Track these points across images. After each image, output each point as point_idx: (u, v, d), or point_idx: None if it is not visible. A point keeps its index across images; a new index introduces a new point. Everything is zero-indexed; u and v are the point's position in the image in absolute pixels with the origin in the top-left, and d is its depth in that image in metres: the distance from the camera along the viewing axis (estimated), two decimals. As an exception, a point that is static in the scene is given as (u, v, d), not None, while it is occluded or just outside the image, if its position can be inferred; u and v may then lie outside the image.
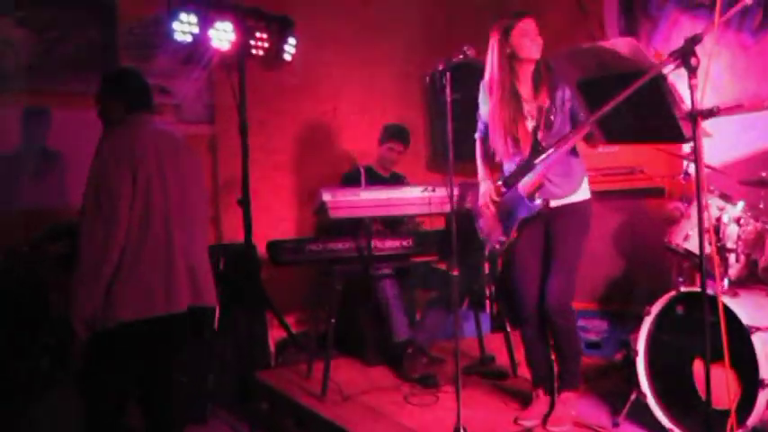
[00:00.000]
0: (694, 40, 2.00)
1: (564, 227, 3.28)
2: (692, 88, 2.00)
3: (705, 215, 3.36)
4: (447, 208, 3.68)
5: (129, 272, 2.58)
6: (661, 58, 2.75)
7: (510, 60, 3.28)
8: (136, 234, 2.59)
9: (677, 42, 4.71)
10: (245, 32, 4.68)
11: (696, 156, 2.03)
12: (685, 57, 1.97)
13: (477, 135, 3.53)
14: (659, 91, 2.09)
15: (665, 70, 2.02)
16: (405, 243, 4.16)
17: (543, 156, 1.87)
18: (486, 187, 3.43)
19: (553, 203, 3.24)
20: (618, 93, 2.03)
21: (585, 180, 3.35)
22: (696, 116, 1.99)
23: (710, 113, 2.00)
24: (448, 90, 3.23)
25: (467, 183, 3.70)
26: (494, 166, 3.48)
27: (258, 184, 4.98)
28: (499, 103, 3.28)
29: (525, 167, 1.85)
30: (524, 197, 3.24)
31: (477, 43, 5.98)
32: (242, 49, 4.64)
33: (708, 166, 3.56)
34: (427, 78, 3.28)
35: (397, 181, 4.92)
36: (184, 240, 2.77)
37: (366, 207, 3.84)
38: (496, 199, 3.39)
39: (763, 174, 3.56)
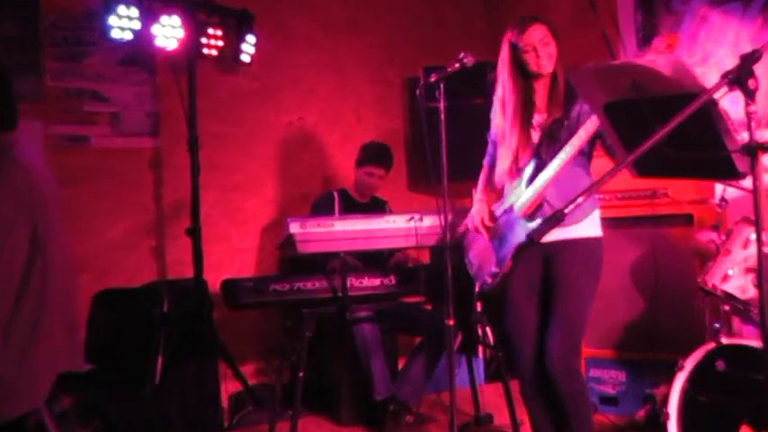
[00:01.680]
0: (752, 58, 1.88)
1: (567, 269, 3.17)
2: (749, 116, 1.89)
3: (751, 253, 3.30)
4: (437, 240, 3.61)
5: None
6: (674, 41, 2.65)
7: (522, 76, 3.25)
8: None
9: (705, 44, 4.74)
10: (195, 29, 4.61)
11: (755, 199, 1.90)
12: (741, 79, 1.85)
13: (485, 160, 3.52)
14: (708, 119, 1.98)
15: (717, 95, 1.90)
16: (387, 281, 4.16)
17: (572, 205, 1.74)
18: (478, 208, 3.40)
19: (552, 236, 3.11)
20: (656, 120, 1.90)
21: (597, 213, 3.25)
22: (756, 149, 1.87)
23: (773, 146, 1.88)
24: (442, 105, 3.16)
25: (463, 210, 3.64)
26: (494, 190, 3.44)
27: (211, 208, 4.94)
28: (509, 121, 3.25)
29: (554, 219, 1.72)
30: (521, 218, 3.15)
31: (467, 43, 6.04)
32: (192, 48, 4.56)
33: (743, 189, 3.48)
34: (417, 91, 3.18)
35: (377, 208, 4.89)
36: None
37: (341, 240, 3.83)
38: (489, 224, 3.35)
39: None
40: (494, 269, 3.28)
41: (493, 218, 3.36)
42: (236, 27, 4.86)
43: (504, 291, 3.30)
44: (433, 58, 5.56)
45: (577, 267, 3.16)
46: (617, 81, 2.18)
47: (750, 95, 1.90)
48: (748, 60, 1.90)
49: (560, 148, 3.06)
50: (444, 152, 3.24)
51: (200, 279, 4.37)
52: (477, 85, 5.23)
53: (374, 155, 4.74)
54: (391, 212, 4.88)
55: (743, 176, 2.06)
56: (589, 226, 3.19)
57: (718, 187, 3.70)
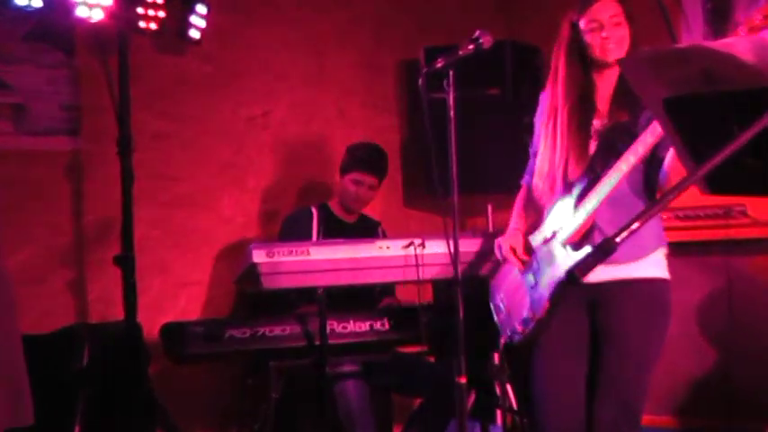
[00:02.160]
0: None
1: (622, 319, 3.20)
2: None
3: None
4: (445, 272, 3.62)
5: None
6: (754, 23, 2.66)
7: (582, 66, 3.31)
8: None
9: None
10: (128, -5, 4.61)
11: None
12: None
13: (524, 178, 3.61)
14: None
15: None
16: (378, 325, 4.21)
17: (625, 232, 1.75)
18: (511, 236, 3.47)
19: (602, 274, 3.10)
20: (735, 122, 1.90)
21: (663, 251, 3.28)
22: None
23: None
24: (451, 98, 3.24)
25: (494, 232, 3.68)
26: (533, 216, 3.51)
27: (148, 229, 4.91)
28: (561, 124, 3.30)
29: (602, 250, 1.72)
30: (566, 245, 3.18)
31: (479, 17, 6.07)
32: (124, 21, 4.54)
33: None
34: (419, 80, 3.20)
35: (367, 230, 4.91)
36: None
37: (320, 272, 3.86)
38: (523, 257, 3.36)
39: None
40: (526, 314, 3.31)
41: (528, 249, 3.39)
42: (181, -8, 4.88)
43: (535, 341, 3.30)
44: (436, 36, 5.58)
45: (636, 318, 3.19)
46: (682, 70, 2.17)
47: None
48: None
49: (619, 159, 3.10)
50: (454, 158, 3.28)
51: (132, 323, 4.31)
52: (492, 71, 5.30)
53: (364, 158, 4.78)
54: (385, 236, 4.90)
55: None
56: (652, 265, 3.23)
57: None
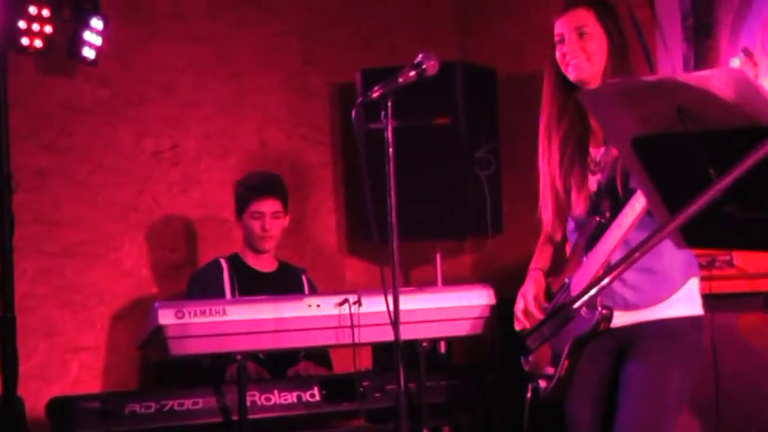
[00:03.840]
0: None
1: (643, 359, 3.31)
2: None
3: None
4: (384, 335, 3.63)
5: None
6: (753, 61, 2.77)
7: (566, 88, 3.38)
8: None
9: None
10: (8, 6, 4.57)
11: None
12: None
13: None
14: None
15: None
16: (308, 396, 4.19)
17: (585, 297, 1.79)
18: (529, 284, 3.53)
19: (623, 318, 3.27)
20: (712, 165, 1.96)
21: (695, 282, 3.38)
22: None
23: None
24: (389, 133, 3.26)
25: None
26: (554, 246, 3.59)
27: (32, 284, 4.87)
28: (553, 158, 3.40)
29: (558, 316, 1.77)
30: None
31: (429, 32, 6.13)
32: (2, 37, 4.52)
33: None
34: (353, 112, 3.24)
35: (289, 279, 4.92)
36: None
37: (237, 336, 3.86)
38: (545, 305, 3.46)
39: None
40: (548, 369, 3.41)
41: (549, 296, 3.46)
42: (73, 6, 4.84)
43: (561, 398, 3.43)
44: (377, 55, 5.62)
45: (658, 358, 3.30)
46: (654, 105, 2.23)
47: None
48: None
49: (627, 198, 3.18)
50: (392, 200, 3.31)
51: (12, 397, 4.27)
52: (441, 97, 5.32)
53: (257, 185, 4.81)
54: (311, 285, 4.92)
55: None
56: (682, 301, 3.35)
57: None
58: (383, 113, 3.27)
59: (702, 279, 4.27)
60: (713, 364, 4.31)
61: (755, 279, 4.35)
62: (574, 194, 3.34)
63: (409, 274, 5.91)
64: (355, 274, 5.78)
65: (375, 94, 3.27)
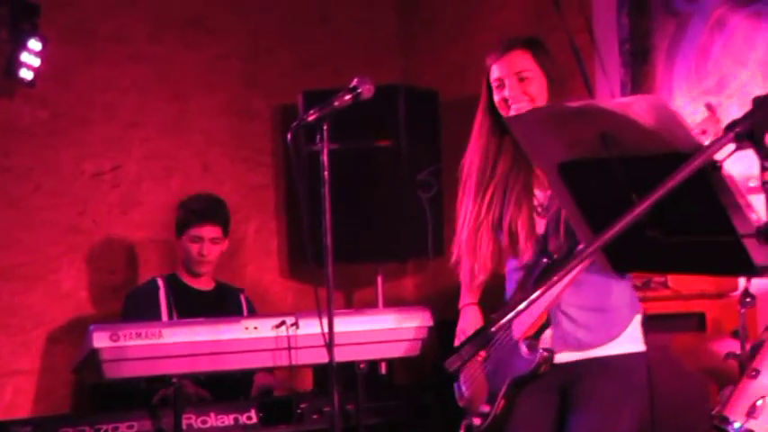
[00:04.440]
0: (772, 101, 2.01)
1: (591, 395, 3.31)
2: (766, 187, 2.00)
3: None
4: (321, 357, 3.63)
5: None
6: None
7: (502, 131, 3.36)
8: None
9: (722, 62, 4.97)
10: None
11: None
12: (755, 133, 1.96)
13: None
14: (708, 189, 2.10)
15: (720, 154, 2.01)
16: (245, 419, 4.18)
17: (503, 320, 1.81)
18: (466, 319, 3.53)
19: (570, 355, 3.30)
20: (634, 190, 1.99)
21: (638, 319, 3.40)
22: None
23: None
24: (325, 156, 3.28)
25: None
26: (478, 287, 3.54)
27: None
28: (487, 197, 3.38)
29: (476, 341, 1.79)
30: (519, 341, 3.26)
31: (372, 54, 6.15)
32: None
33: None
34: (288, 136, 3.27)
35: (227, 299, 4.93)
36: None
37: (174, 358, 3.83)
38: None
39: None
40: (484, 407, 3.38)
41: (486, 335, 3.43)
42: (10, 24, 4.80)
43: None
44: (320, 76, 5.63)
45: (607, 394, 3.30)
46: (578, 131, 2.27)
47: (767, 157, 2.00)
48: (765, 105, 2.01)
49: (572, 238, 3.18)
50: (328, 224, 3.31)
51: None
52: (383, 119, 5.34)
53: (199, 209, 4.81)
54: (250, 305, 4.92)
55: (760, 272, 2.16)
56: (626, 340, 3.35)
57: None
58: (318, 137, 3.28)
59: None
60: (648, 385, 4.34)
61: (689, 300, 4.38)
62: (522, 238, 3.30)
63: (351, 296, 5.91)
64: (297, 297, 5.76)
65: (310, 118, 3.28)
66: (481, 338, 1.81)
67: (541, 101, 3.29)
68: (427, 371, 5.52)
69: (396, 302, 5.69)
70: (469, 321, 3.51)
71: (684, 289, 4.36)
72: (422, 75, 6.06)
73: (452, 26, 6.06)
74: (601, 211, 2.17)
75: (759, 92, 4.73)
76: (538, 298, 1.86)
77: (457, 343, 3.50)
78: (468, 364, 3.47)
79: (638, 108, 2.13)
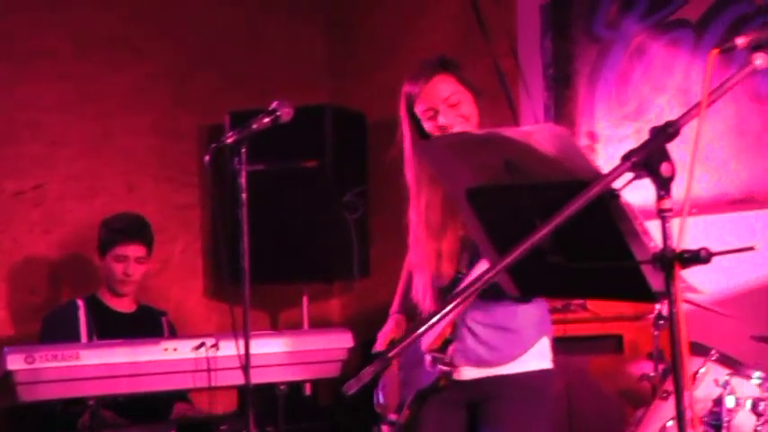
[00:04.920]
0: (668, 131, 2.06)
1: (500, 412, 3.33)
2: (663, 216, 2.05)
3: (699, 396, 3.49)
4: (242, 378, 3.63)
5: None
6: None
7: None
8: None
9: (641, 87, 5.06)
10: None
11: (673, 332, 2.06)
12: (652, 163, 2.02)
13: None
14: (607, 217, 2.15)
15: (618, 183, 2.06)
16: None
17: (401, 345, 1.84)
18: (389, 327, 3.55)
19: (474, 372, 3.32)
20: (538, 217, 2.03)
21: (546, 341, 3.42)
22: (671, 261, 2.03)
23: (696, 258, 2.04)
24: (243, 178, 3.29)
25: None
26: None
27: None
28: (418, 208, 3.40)
29: (375, 366, 1.81)
30: (424, 353, 3.29)
31: (302, 73, 6.17)
32: None
33: (696, 305, 3.71)
34: (206, 157, 3.27)
35: (148, 321, 4.89)
36: None
37: (91, 381, 3.79)
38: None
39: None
40: (391, 416, 3.42)
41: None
42: None
43: None
44: (247, 97, 5.63)
45: (515, 410, 3.31)
46: (484, 158, 2.32)
47: (663, 186, 2.05)
48: (661, 136, 2.06)
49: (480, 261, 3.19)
50: (245, 243, 3.32)
51: None
52: (310, 139, 5.37)
53: (123, 228, 4.78)
54: (171, 329, 4.91)
55: (657, 297, 2.21)
56: (533, 358, 3.36)
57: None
58: (237, 160, 3.29)
59: (557, 323, 4.37)
60: (567, 407, 4.39)
61: (608, 322, 4.44)
62: (445, 256, 3.33)
63: (277, 317, 5.92)
64: (222, 318, 5.70)
65: (229, 140, 3.29)
66: (379, 364, 1.82)
67: (474, 118, 3.31)
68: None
69: (322, 323, 5.72)
70: (390, 329, 3.53)
71: (603, 311, 4.42)
72: (350, 96, 6.08)
73: (380, 48, 6.12)
74: (507, 236, 2.21)
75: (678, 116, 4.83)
76: (436, 322, 1.89)
77: (375, 347, 3.52)
78: (388, 372, 3.51)
79: (539, 137, 2.17)
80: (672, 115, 4.79)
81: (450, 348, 3.27)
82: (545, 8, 5.42)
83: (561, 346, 4.18)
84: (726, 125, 4.73)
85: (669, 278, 2.06)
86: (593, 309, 4.42)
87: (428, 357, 3.27)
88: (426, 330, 1.91)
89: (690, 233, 4.99)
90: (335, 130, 5.50)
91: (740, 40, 2.18)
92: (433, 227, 3.35)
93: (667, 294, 2.07)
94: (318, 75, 6.30)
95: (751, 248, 2.25)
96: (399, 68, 5.96)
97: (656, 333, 3.93)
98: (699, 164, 4.78)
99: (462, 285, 2.08)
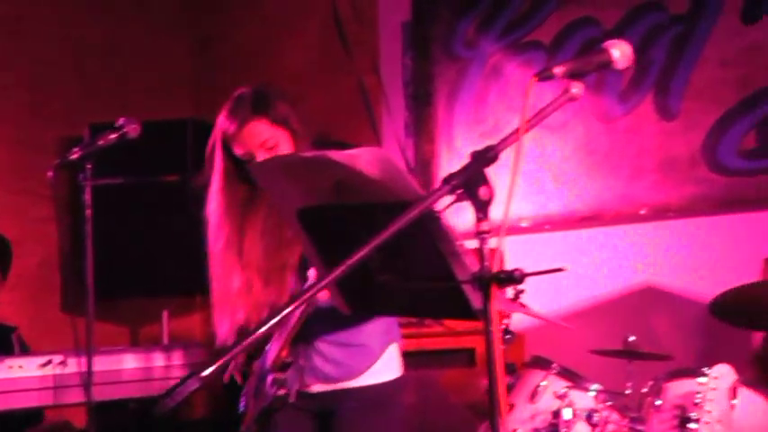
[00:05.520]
0: (487, 156, 2.11)
1: (347, 425, 3.37)
2: (481, 239, 2.11)
3: (541, 408, 3.59)
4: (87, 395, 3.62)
5: None
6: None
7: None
8: None
9: (497, 107, 5.17)
10: None
11: (489, 350, 2.13)
12: (470, 186, 2.08)
13: None
14: (429, 238, 2.20)
15: (439, 206, 2.12)
16: None
17: (216, 365, 1.87)
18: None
19: (322, 387, 3.35)
20: (363, 238, 2.08)
21: (394, 347, 3.45)
22: (489, 282, 2.10)
23: (510, 278, 2.11)
24: (87, 194, 3.29)
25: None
26: None
27: None
28: (247, 245, 3.40)
29: (192, 382, 1.83)
30: (268, 371, 3.32)
31: (165, 86, 6.13)
32: None
33: (538, 317, 3.82)
34: (49, 173, 3.26)
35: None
36: None
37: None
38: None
39: (631, 337, 3.85)
40: (242, 428, 3.42)
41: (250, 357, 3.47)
42: None
43: None
44: (108, 109, 5.59)
45: (362, 423, 3.35)
46: (314, 180, 2.36)
47: (481, 209, 2.11)
48: (481, 160, 2.13)
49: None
50: (89, 260, 3.34)
51: None
52: (171, 154, 5.35)
53: None
54: (22, 345, 4.85)
55: (478, 316, 2.28)
56: (380, 369, 3.40)
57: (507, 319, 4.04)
58: (82, 176, 3.27)
59: (412, 337, 4.44)
60: (420, 420, 4.43)
61: (461, 336, 4.50)
62: (275, 278, 3.36)
63: (138, 332, 5.88)
64: (78, 334, 5.68)
65: (73, 156, 3.27)
66: (193, 382, 1.85)
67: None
68: (214, 405, 5.55)
69: (183, 338, 5.69)
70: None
71: (457, 325, 4.47)
72: (214, 110, 6.02)
73: (245, 63, 6.14)
74: (337, 255, 2.26)
75: (531, 139, 4.95)
76: (253, 342, 1.93)
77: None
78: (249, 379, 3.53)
79: (363, 160, 2.23)
80: (527, 136, 4.96)
81: (289, 372, 3.28)
82: (406, 26, 5.52)
83: (416, 359, 4.23)
84: (576, 144, 4.89)
85: (487, 297, 2.13)
86: (448, 323, 4.48)
87: (270, 377, 3.29)
88: (243, 349, 1.94)
89: (541, 250, 5.16)
90: (197, 144, 5.45)
91: (557, 69, 2.24)
92: (256, 253, 3.36)
93: (485, 313, 2.14)
94: (182, 88, 6.28)
95: (561, 270, 2.33)
96: (264, 83, 6.03)
97: (502, 347, 4.03)
98: (551, 181, 4.93)
99: (286, 303, 2.10)
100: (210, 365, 1.87)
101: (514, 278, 2.14)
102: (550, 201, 4.95)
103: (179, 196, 5.42)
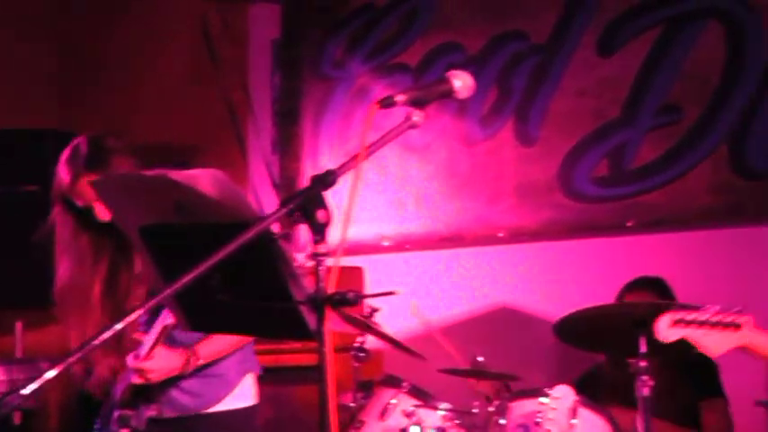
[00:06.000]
0: (326, 180, 2.16)
1: None
2: (317, 260, 2.16)
3: (390, 426, 3.66)
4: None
5: None
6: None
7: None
8: None
9: (358, 127, 5.22)
10: None
11: (321, 370, 2.19)
12: (307, 209, 2.13)
13: None
14: (267, 259, 2.25)
15: (276, 228, 2.17)
16: None
17: (57, 367, 1.88)
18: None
19: (179, 408, 3.37)
20: (202, 257, 2.12)
21: (250, 378, 3.49)
22: (323, 303, 2.16)
23: (344, 300, 2.17)
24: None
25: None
26: None
27: None
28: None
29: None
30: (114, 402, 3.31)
31: (26, 98, 6.04)
32: None
33: (383, 337, 3.89)
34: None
35: None
36: None
37: None
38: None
39: (479, 358, 3.95)
40: None
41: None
42: None
43: None
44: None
45: None
46: (155, 199, 2.39)
47: (318, 231, 2.16)
48: (319, 184, 2.18)
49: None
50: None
51: None
52: (32, 164, 5.29)
53: None
54: None
55: (314, 336, 2.33)
56: (236, 398, 3.43)
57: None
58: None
59: (271, 353, 4.47)
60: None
61: (311, 353, 4.56)
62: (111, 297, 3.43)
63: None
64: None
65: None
66: (9, 399, 1.86)
67: None
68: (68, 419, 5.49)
69: (39, 350, 5.62)
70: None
71: (310, 343, 4.52)
72: (79, 121, 6.00)
73: (113, 75, 6.09)
74: (178, 273, 2.28)
75: (395, 160, 5.05)
76: (75, 360, 1.94)
77: None
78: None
79: (202, 181, 2.27)
80: (391, 159, 5.05)
81: (142, 408, 3.29)
82: (276, 44, 5.56)
83: (273, 376, 4.25)
84: (438, 166, 4.98)
85: (321, 318, 2.19)
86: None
87: (116, 414, 3.28)
88: (61, 370, 1.93)
89: (402, 269, 5.21)
90: (58, 155, 5.44)
91: (399, 97, 2.30)
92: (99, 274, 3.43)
93: (318, 334, 2.20)
94: (47, 98, 6.21)
95: (392, 293, 2.40)
96: (131, 95, 6.00)
97: (356, 365, 4.08)
98: (413, 202, 5.01)
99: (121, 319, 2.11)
100: (33, 383, 1.88)
101: (348, 300, 2.20)
102: (412, 221, 5.03)
103: (39, 207, 5.38)
